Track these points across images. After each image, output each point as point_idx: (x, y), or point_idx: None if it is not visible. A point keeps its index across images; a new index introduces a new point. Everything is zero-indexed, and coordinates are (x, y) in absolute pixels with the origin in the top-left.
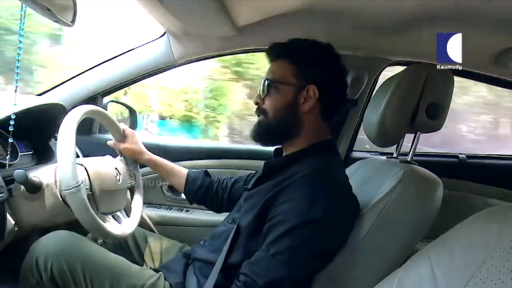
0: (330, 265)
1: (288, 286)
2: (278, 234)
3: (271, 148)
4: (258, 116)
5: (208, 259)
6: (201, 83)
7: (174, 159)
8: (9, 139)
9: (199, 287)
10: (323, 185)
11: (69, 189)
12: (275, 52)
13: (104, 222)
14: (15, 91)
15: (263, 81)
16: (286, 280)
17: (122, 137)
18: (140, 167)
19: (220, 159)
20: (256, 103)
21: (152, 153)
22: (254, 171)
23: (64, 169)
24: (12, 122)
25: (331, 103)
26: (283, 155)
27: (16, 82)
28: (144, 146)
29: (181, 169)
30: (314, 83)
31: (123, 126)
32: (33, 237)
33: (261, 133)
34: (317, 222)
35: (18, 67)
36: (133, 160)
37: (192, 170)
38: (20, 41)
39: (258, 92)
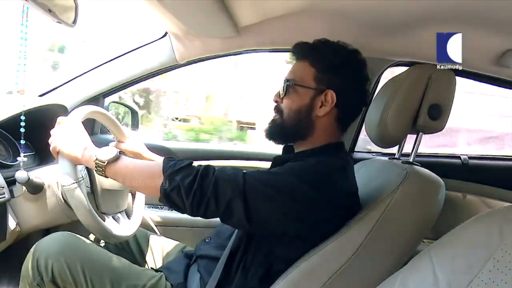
0: (331, 265)
1: (233, 204)
2: (260, 171)
3: (279, 151)
4: (274, 115)
5: (213, 255)
6: None
7: None
8: (21, 140)
9: (202, 284)
10: (327, 171)
11: (69, 185)
12: (298, 52)
13: (104, 221)
14: (18, 92)
15: (283, 81)
16: (235, 200)
17: (123, 137)
18: None
19: (228, 160)
20: (275, 101)
21: (160, 155)
22: None
23: (64, 164)
24: (23, 124)
25: (348, 110)
26: (294, 152)
27: (17, 83)
28: (154, 148)
29: None
30: (333, 89)
31: (123, 127)
32: (35, 237)
33: (273, 131)
34: (297, 187)
35: (19, 69)
36: None
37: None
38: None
39: (278, 91)
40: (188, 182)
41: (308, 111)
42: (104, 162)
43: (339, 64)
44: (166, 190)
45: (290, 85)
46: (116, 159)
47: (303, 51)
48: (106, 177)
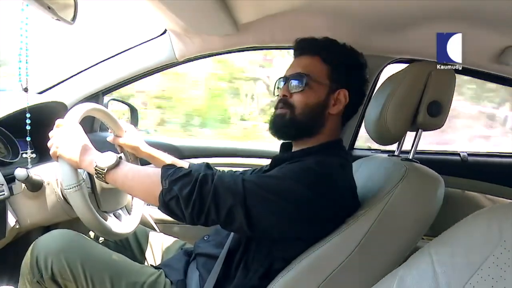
0: (331, 263)
1: (234, 212)
2: (259, 176)
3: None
4: (281, 109)
5: (212, 253)
6: None
7: (183, 157)
8: (27, 137)
9: (201, 282)
10: (326, 171)
11: (70, 188)
12: (307, 47)
13: (106, 220)
14: (25, 90)
15: (293, 74)
16: (235, 207)
17: (121, 131)
18: (141, 164)
19: (228, 157)
20: (284, 96)
21: (162, 151)
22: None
23: (65, 168)
24: (28, 121)
25: (352, 110)
26: (292, 150)
27: (20, 81)
28: (155, 145)
29: (181, 162)
30: (347, 88)
31: (121, 121)
32: (34, 235)
33: (282, 126)
34: (297, 191)
35: (21, 67)
36: (134, 157)
37: (194, 163)
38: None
39: (286, 84)
40: (186, 192)
41: (322, 108)
42: (104, 170)
43: (351, 64)
44: (165, 200)
45: (305, 80)
46: (115, 166)
47: (314, 47)
48: (107, 183)
